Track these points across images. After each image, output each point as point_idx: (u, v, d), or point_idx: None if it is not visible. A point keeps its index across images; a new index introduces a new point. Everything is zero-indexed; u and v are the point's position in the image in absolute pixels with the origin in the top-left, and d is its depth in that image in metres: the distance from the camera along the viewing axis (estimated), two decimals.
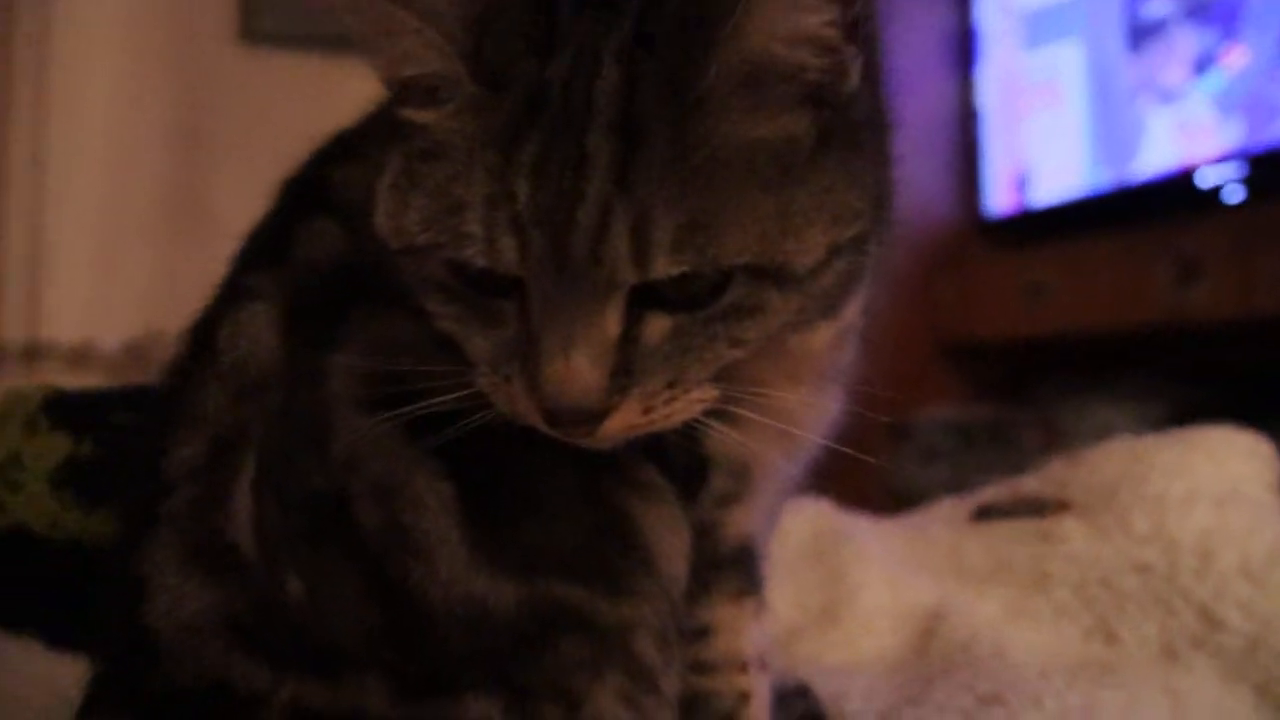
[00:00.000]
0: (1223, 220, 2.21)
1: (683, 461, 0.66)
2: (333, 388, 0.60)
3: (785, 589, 1.02)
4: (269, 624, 0.56)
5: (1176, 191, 2.32)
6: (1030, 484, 1.09)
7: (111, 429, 0.89)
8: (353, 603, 0.56)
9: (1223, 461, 0.96)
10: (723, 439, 0.63)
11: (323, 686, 0.56)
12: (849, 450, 0.68)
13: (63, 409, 0.89)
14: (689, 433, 0.60)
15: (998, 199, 2.83)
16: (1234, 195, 2.22)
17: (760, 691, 0.71)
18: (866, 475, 1.23)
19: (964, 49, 2.95)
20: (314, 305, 0.64)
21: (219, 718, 0.56)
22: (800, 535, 1.10)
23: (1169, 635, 0.88)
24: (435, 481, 0.58)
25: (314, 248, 0.66)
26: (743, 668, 0.70)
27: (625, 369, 0.53)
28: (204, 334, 0.66)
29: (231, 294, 0.67)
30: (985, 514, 1.08)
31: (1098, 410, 2.43)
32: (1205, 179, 2.26)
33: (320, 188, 0.69)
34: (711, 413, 0.58)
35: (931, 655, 0.92)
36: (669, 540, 0.62)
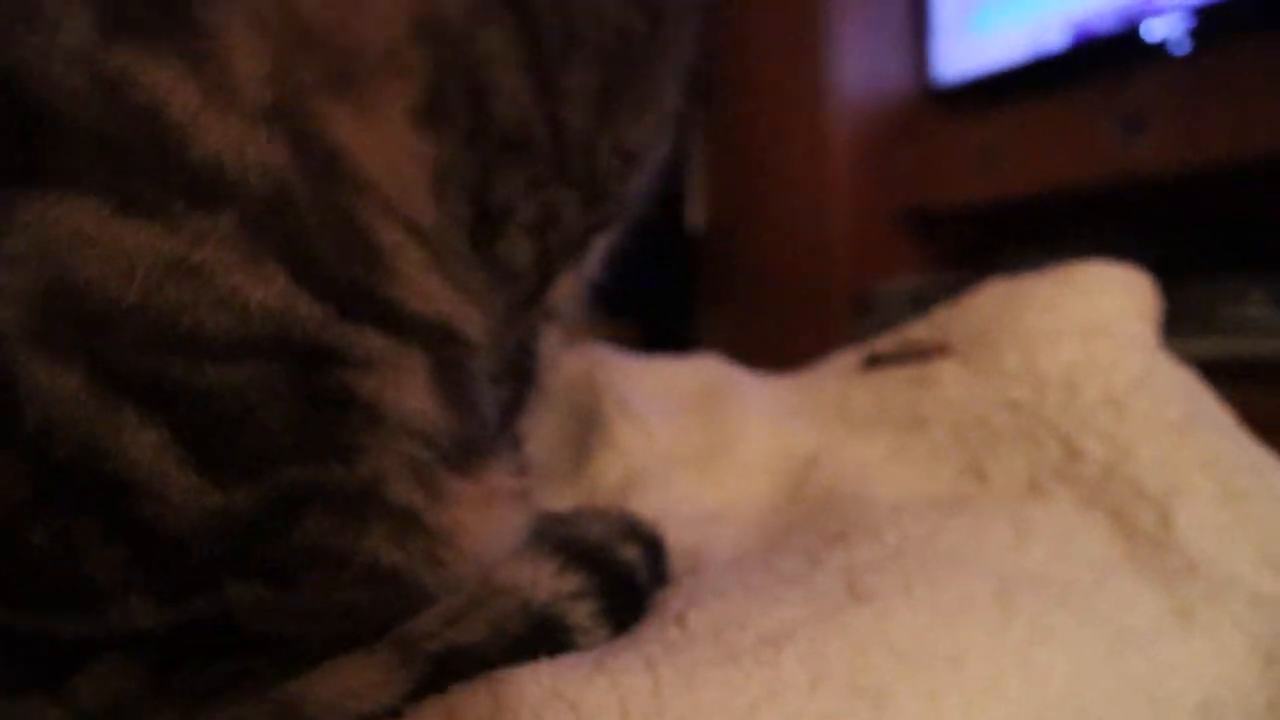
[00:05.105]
0: (1168, 72, 2.18)
1: None
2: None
3: (666, 431, 1.02)
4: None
5: (1124, 46, 2.28)
6: (919, 330, 1.09)
7: None
8: (97, 546, 0.54)
9: (1094, 296, 0.94)
10: None
11: (92, 621, 0.54)
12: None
13: None
14: None
15: (948, 65, 2.77)
16: (1181, 47, 2.18)
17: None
18: (830, 348, 1.22)
19: None
20: None
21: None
22: (686, 388, 1.09)
23: (1034, 469, 0.88)
24: (141, 434, 0.53)
25: None
26: None
27: None
28: None
29: None
30: (874, 361, 1.08)
31: None
32: (1152, 32, 2.21)
33: None
34: None
35: (801, 501, 0.93)
36: (394, 388, 0.59)
